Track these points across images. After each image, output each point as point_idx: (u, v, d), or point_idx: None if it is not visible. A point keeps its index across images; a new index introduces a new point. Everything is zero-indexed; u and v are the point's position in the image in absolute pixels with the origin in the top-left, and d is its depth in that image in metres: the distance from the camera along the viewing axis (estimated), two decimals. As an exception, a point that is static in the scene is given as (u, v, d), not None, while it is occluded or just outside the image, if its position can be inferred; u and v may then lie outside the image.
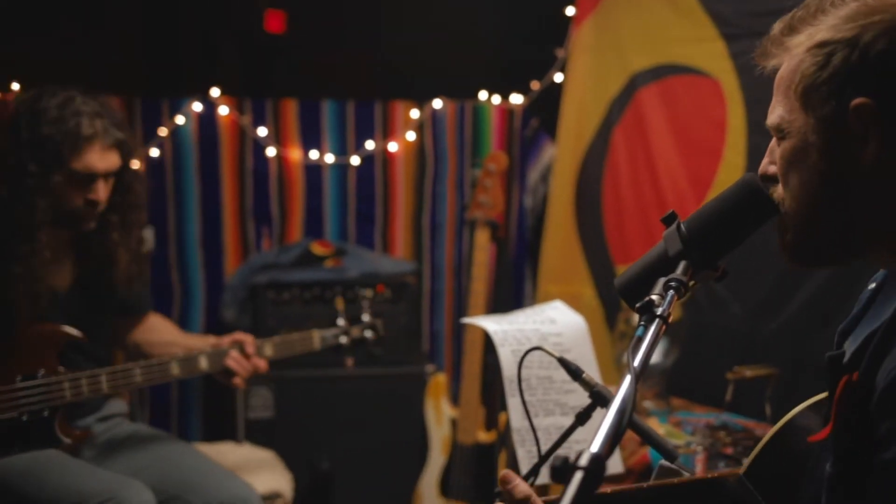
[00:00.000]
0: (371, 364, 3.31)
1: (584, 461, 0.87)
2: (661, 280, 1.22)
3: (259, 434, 3.29)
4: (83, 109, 2.30)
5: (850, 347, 1.08)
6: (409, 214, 3.97)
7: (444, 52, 3.84)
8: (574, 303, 3.16)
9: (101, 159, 2.31)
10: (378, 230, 3.96)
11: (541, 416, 2.02)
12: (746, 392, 2.63)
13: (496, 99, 3.94)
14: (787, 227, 1.21)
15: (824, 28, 1.10)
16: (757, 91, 2.86)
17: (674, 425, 2.64)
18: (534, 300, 3.95)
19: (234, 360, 2.43)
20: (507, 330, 2.06)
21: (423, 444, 3.35)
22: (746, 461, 1.34)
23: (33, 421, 2.21)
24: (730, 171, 2.95)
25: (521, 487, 1.23)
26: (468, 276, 4.02)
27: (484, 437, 3.25)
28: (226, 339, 2.50)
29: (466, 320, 2.20)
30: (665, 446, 1.52)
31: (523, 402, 1.63)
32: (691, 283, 1.23)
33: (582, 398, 2.08)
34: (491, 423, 3.28)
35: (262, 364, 2.47)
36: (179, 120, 3.70)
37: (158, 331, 2.69)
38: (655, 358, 2.80)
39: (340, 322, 2.61)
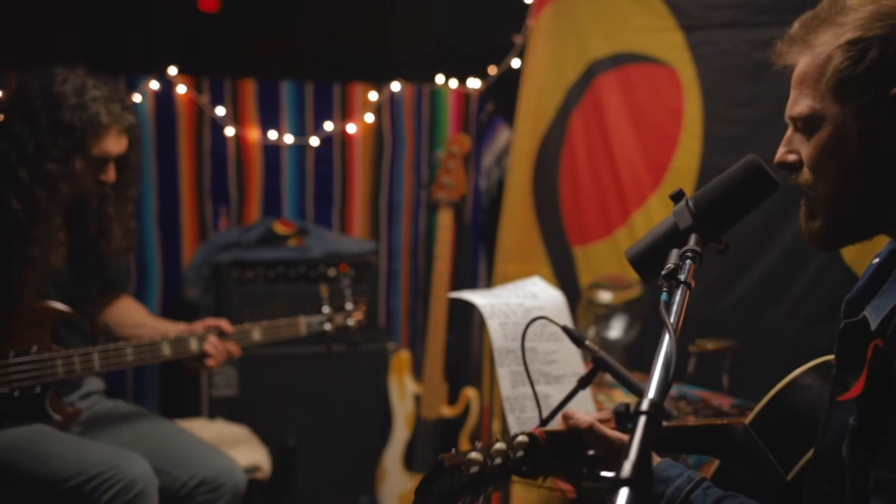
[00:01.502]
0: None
1: (645, 406, 0.97)
2: (675, 251, 1.33)
3: (223, 412, 3.32)
4: (98, 95, 2.33)
5: (875, 316, 1.19)
6: (366, 195, 4.03)
7: (402, 36, 3.90)
8: (531, 282, 3.28)
9: (116, 144, 2.38)
10: (336, 210, 4.01)
11: (526, 384, 2.11)
12: (704, 364, 2.78)
13: (453, 83, 4.02)
14: (817, 212, 1.30)
15: (851, 27, 1.22)
16: (713, 80, 3.02)
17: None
18: (489, 279, 4.07)
19: (211, 345, 2.46)
20: (493, 304, 2.15)
21: (386, 419, 3.43)
22: (751, 413, 1.47)
23: (25, 397, 2.22)
24: (686, 157, 3.10)
25: (583, 419, 1.31)
26: (424, 256, 4.12)
27: (447, 411, 3.34)
28: (199, 324, 2.52)
29: (453, 295, 2.28)
30: (637, 387, 1.63)
31: (527, 371, 1.73)
32: None
33: (563, 368, 2.21)
34: (453, 399, 3.38)
35: (235, 349, 2.51)
36: (136, 98, 3.67)
37: (129, 313, 2.70)
38: (617, 334, 2.94)
39: (325, 310, 2.66)
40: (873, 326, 1.17)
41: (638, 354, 2.97)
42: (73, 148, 2.29)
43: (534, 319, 1.71)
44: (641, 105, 3.27)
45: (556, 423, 1.51)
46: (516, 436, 1.28)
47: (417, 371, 3.51)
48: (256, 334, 2.56)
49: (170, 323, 2.69)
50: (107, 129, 2.33)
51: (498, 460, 1.27)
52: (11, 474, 2.15)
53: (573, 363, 2.23)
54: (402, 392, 3.40)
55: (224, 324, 2.51)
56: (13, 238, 2.26)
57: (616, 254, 3.38)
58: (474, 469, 1.26)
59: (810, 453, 1.40)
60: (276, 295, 3.41)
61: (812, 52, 1.28)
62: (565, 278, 3.55)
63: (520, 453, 1.27)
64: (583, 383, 1.65)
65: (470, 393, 3.33)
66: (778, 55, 1.34)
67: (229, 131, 3.82)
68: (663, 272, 1.25)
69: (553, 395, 2.15)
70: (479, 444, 1.30)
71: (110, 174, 2.40)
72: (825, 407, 1.36)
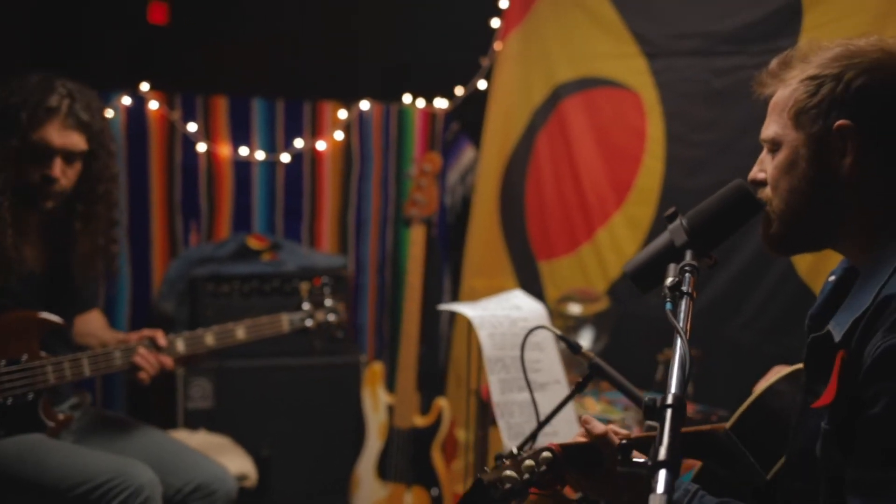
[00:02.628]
0: (307, 353, 3.46)
1: (670, 400, 1.10)
2: (672, 266, 1.47)
3: (198, 423, 3.36)
4: (57, 88, 2.34)
5: (837, 330, 1.33)
6: (335, 211, 4.12)
7: (371, 56, 4.01)
8: (497, 296, 3.42)
9: (60, 136, 2.33)
10: (305, 225, 4.09)
11: (514, 391, 2.24)
12: (667, 372, 2.94)
13: (420, 102, 4.15)
14: (772, 222, 1.47)
15: (814, 65, 1.38)
16: (675, 105, 3.21)
17: (607, 403, 2.93)
18: (453, 294, 4.19)
19: (141, 357, 2.42)
20: (483, 315, 2.28)
21: (359, 429, 3.51)
22: (732, 419, 1.61)
23: (18, 405, 2.25)
24: (649, 177, 3.28)
25: (599, 426, 1.43)
26: (391, 271, 4.23)
27: (420, 421, 3.45)
28: (134, 335, 2.51)
29: (444, 307, 2.39)
30: (630, 390, 1.77)
31: (526, 378, 1.84)
32: None
33: (546, 375, 2.34)
34: (426, 409, 3.49)
35: (168, 361, 2.46)
36: (108, 113, 3.70)
37: (86, 322, 2.68)
38: (586, 345, 3.08)
39: (306, 306, 2.73)
40: (837, 339, 1.31)
41: (609, 362, 3.12)
42: (10, 128, 2.28)
43: (534, 329, 1.84)
44: (606, 127, 3.44)
45: (565, 435, 1.64)
46: (540, 451, 1.40)
47: (389, 382, 3.61)
48: (241, 332, 2.60)
49: (112, 333, 2.65)
50: (49, 116, 2.30)
51: (526, 476, 1.38)
52: (16, 484, 2.18)
53: (555, 371, 2.37)
54: (376, 403, 3.49)
55: (158, 335, 2.48)
56: None
57: (581, 268, 3.54)
58: (508, 486, 1.38)
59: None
60: (251, 309, 3.44)
61: (784, 84, 1.44)
62: (531, 292, 3.66)
63: (543, 468, 1.39)
64: (579, 387, 1.77)
65: (442, 403, 3.44)
66: (759, 85, 1.49)
67: (201, 147, 3.89)
68: (668, 285, 1.38)
69: (539, 401, 2.27)
70: (506, 462, 1.42)
71: (55, 169, 2.33)
72: (798, 412, 1.51)
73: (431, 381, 3.84)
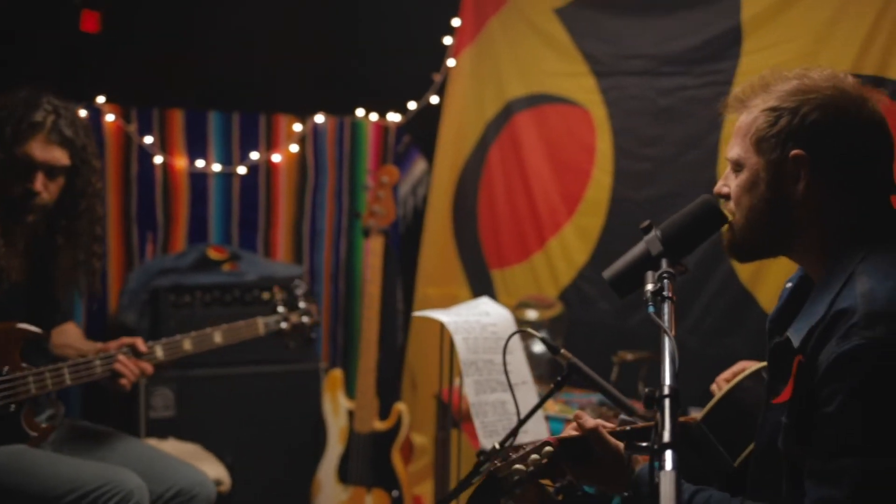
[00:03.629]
0: (267, 362, 3.55)
1: (666, 390, 1.26)
2: (650, 273, 1.62)
3: (161, 433, 3.40)
4: (42, 104, 2.40)
5: (796, 336, 1.49)
6: (290, 222, 4.21)
7: (326, 71, 4.11)
8: (451, 303, 3.55)
9: (43, 151, 2.39)
10: (261, 236, 4.16)
11: (487, 392, 2.38)
12: (622, 373, 3.12)
13: (373, 116, 4.26)
14: (734, 233, 1.65)
15: (774, 97, 1.55)
16: (622, 121, 3.39)
17: (563, 404, 3.09)
18: (405, 302, 4.31)
19: (122, 364, 2.47)
20: (457, 321, 2.41)
21: (320, 434, 3.61)
22: (703, 412, 1.78)
23: (1, 416, 2.28)
24: (598, 189, 3.46)
25: (590, 420, 1.57)
26: (345, 280, 4.33)
27: (379, 425, 3.55)
28: (113, 343, 2.55)
29: (418, 313, 2.51)
30: (625, 404, 1.93)
31: (508, 381, 1.98)
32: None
33: (515, 377, 2.48)
34: (385, 413, 3.60)
35: (148, 367, 2.52)
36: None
37: (63, 334, 2.72)
38: (541, 349, 3.23)
39: (280, 309, 2.82)
40: (795, 344, 1.48)
41: (559, 367, 3.28)
42: None
43: (515, 332, 1.98)
44: (556, 141, 3.62)
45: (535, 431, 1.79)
46: (543, 446, 1.54)
47: (348, 388, 3.71)
48: (218, 337, 2.67)
49: (91, 343, 2.68)
50: (33, 131, 2.36)
51: (532, 468, 1.53)
52: (3, 494, 2.21)
53: (523, 372, 2.51)
54: (336, 408, 3.59)
55: (138, 342, 2.53)
56: None
57: (533, 276, 3.71)
58: (517, 477, 1.52)
59: (753, 444, 1.73)
60: (213, 318, 3.49)
61: (747, 110, 1.61)
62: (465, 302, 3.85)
63: (545, 461, 1.53)
64: (558, 385, 1.91)
65: (401, 407, 3.55)
66: (725, 108, 1.66)
67: (157, 159, 3.93)
68: (651, 291, 1.53)
69: (509, 401, 2.41)
70: (513, 455, 1.56)
71: (37, 183, 2.39)
72: (762, 407, 1.68)
73: (388, 387, 3.96)
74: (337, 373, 3.65)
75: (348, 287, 4.33)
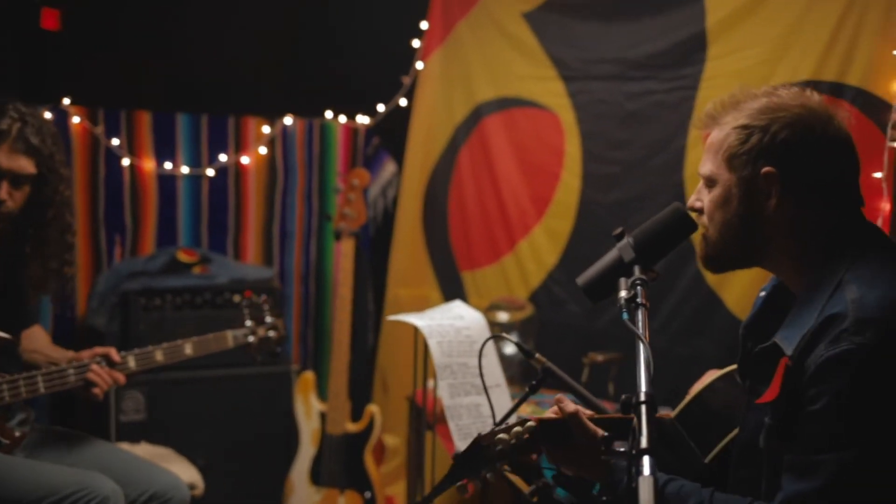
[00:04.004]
0: (238, 364, 3.55)
1: (643, 397, 1.30)
2: (623, 279, 1.67)
3: (132, 436, 3.39)
4: (8, 111, 2.39)
5: (787, 343, 1.53)
6: (260, 224, 4.21)
7: (294, 73, 4.12)
8: (422, 304, 3.59)
9: (7, 158, 2.38)
10: (230, 238, 4.16)
11: (461, 395, 2.41)
12: (592, 374, 3.17)
13: (342, 118, 4.28)
14: (707, 245, 1.70)
15: (745, 115, 1.60)
16: (590, 125, 3.44)
17: (535, 405, 3.13)
18: (375, 303, 4.33)
19: (95, 374, 2.48)
20: (431, 325, 2.44)
21: (292, 437, 3.62)
22: (676, 409, 1.83)
23: (-26, 424, 2.28)
24: (567, 192, 3.50)
25: (570, 405, 1.61)
26: (315, 282, 4.34)
27: (352, 427, 3.57)
28: (86, 352, 2.55)
29: (392, 317, 2.54)
30: (597, 405, 1.98)
31: (484, 385, 2.01)
32: None
33: (489, 380, 2.51)
34: (357, 415, 3.62)
35: (121, 377, 2.53)
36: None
37: (30, 338, 2.70)
38: (513, 350, 3.27)
39: (248, 323, 2.84)
40: (788, 352, 1.52)
41: (530, 368, 3.32)
42: None
43: (490, 337, 2.02)
44: (526, 144, 3.66)
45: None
46: (526, 421, 1.59)
47: (319, 390, 3.72)
48: (188, 349, 2.69)
49: (61, 350, 2.68)
50: None
51: (514, 441, 1.57)
52: None
53: (496, 375, 2.55)
54: (308, 410, 3.60)
55: (112, 352, 2.54)
56: None
57: (503, 278, 3.75)
58: (500, 447, 1.56)
59: (723, 441, 1.78)
60: (183, 321, 3.53)
61: (719, 127, 1.66)
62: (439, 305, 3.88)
63: (526, 436, 1.58)
64: (532, 389, 1.95)
65: (374, 409, 3.57)
66: (697, 124, 1.71)
67: (125, 161, 3.91)
68: (624, 298, 1.58)
69: (484, 403, 2.45)
70: (504, 426, 1.60)
71: (2, 192, 2.38)
72: (736, 406, 1.73)
73: (360, 389, 3.98)
74: (309, 375, 3.66)
75: (318, 289, 4.35)
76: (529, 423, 1.58)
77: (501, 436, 1.58)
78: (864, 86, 2.62)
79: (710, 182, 1.66)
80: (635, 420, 1.28)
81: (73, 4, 3.74)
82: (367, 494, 3.52)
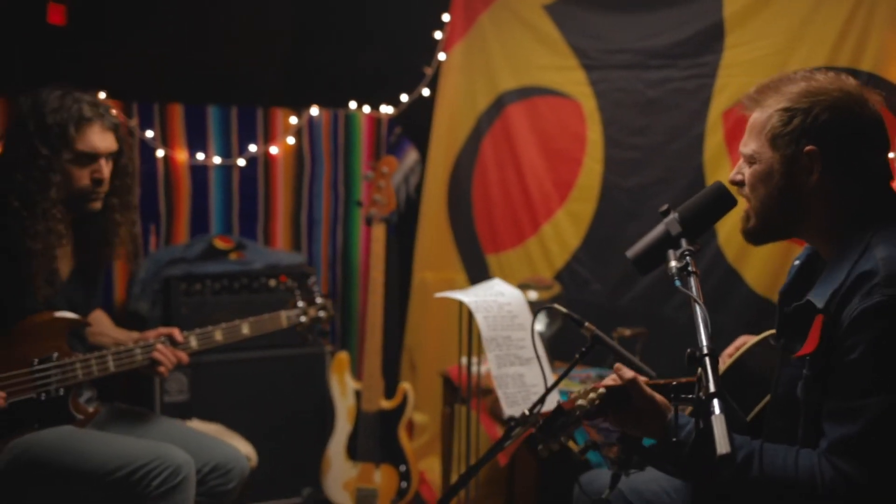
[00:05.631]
0: (276, 346, 3.71)
1: (705, 350, 1.46)
2: (672, 251, 1.83)
3: (176, 415, 3.54)
4: (82, 98, 2.57)
5: (818, 299, 1.70)
6: (288, 212, 4.36)
7: (320, 65, 4.27)
8: (448, 287, 3.76)
9: (102, 139, 2.58)
10: (260, 226, 4.31)
11: (507, 365, 2.58)
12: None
13: (366, 108, 4.43)
14: (750, 218, 1.86)
15: (786, 98, 1.77)
16: (611, 112, 3.60)
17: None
18: (405, 286, 4.48)
19: (160, 353, 2.63)
20: (477, 301, 2.60)
21: (328, 415, 3.78)
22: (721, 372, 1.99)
23: (50, 400, 2.43)
24: (589, 176, 3.66)
25: (628, 372, 1.78)
26: (342, 268, 4.49)
27: (386, 404, 3.74)
28: (151, 333, 2.73)
29: (440, 294, 2.70)
30: (626, 356, 2.15)
31: (537, 355, 2.17)
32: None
33: (529, 352, 2.67)
34: (391, 392, 3.78)
35: (184, 356, 2.69)
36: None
37: (95, 321, 2.90)
38: (541, 328, 3.43)
39: (300, 304, 2.99)
40: (820, 306, 1.69)
41: (559, 345, 3.48)
42: (59, 142, 2.50)
43: (540, 310, 2.19)
44: (548, 131, 3.81)
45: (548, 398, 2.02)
46: (597, 388, 1.76)
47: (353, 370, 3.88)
48: (245, 328, 2.84)
49: (124, 332, 2.88)
50: (90, 124, 2.54)
51: (588, 406, 1.74)
52: (57, 473, 2.36)
53: (537, 347, 2.71)
54: (344, 389, 3.76)
55: (175, 332, 2.71)
56: (16, 233, 2.46)
57: (528, 260, 3.91)
58: (578, 412, 1.74)
59: (763, 402, 1.95)
60: (222, 305, 3.69)
61: (762, 108, 1.82)
62: (480, 282, 4.04)
63: (598, 401, 1.75)
64: (582, 356, 2.11)
65: (406, 386, 3.74)
66: (741, 107, 1.87)
67: (159, 153, 4.05)
68: (677, 267, 1.74)
69: (525, 374, 2.62)
70: (580, 392, 1.77)
71: (103, 171, 2.58)
72: (773, 366, 1.90)
73: (391, 368, 4.14)
74: (343, 355, 3.81)
75: (345, 274, 4.50)
76: (601, 390, 1.75)
77: (580, 402, 1.75)
78: (877, 71, 2.79)
79: (752, 159, 1.82)
80: (700, 370, 1.45)
81: (108, 2, 3.88)
82: (402, 468, 3.69)
